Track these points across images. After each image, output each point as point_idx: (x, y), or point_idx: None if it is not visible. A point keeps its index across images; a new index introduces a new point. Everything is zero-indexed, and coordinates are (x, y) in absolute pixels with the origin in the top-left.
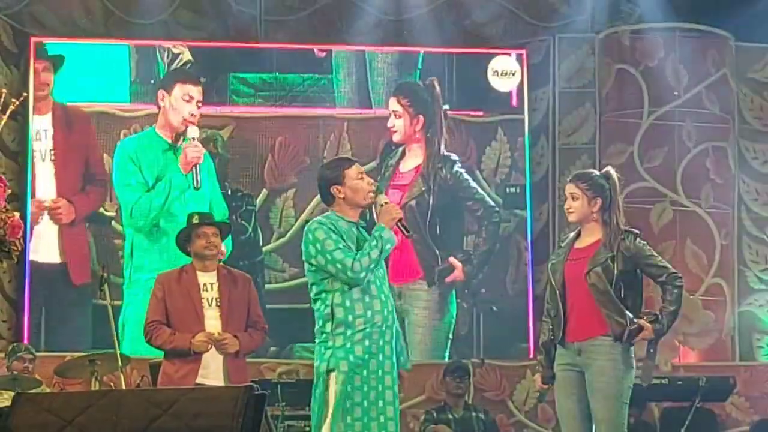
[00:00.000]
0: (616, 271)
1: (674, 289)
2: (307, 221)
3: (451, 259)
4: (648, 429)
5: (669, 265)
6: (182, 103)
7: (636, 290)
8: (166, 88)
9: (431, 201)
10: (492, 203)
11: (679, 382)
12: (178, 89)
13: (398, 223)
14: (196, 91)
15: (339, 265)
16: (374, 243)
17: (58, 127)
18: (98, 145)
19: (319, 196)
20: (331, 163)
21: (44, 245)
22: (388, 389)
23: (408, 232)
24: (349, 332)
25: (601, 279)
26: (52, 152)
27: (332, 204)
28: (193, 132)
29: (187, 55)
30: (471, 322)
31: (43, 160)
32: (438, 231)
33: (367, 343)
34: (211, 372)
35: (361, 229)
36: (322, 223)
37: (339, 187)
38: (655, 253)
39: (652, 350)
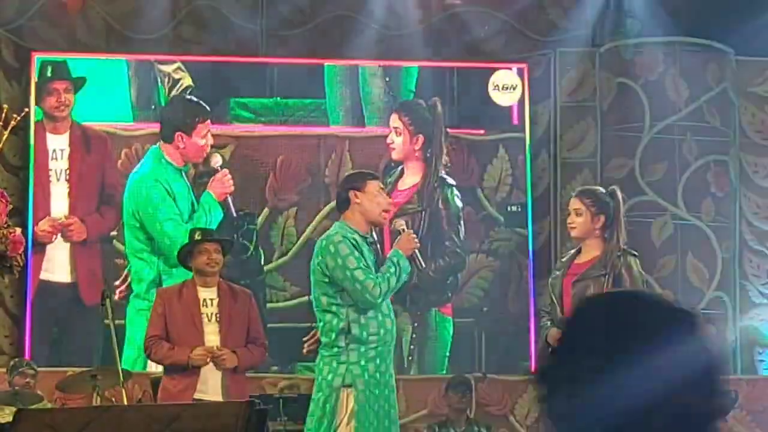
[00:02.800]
0: (607, 290)
1: None
2: (308, 240)
3: None
4: None
5: None
6: (202, 138)
7: None
8: (186, 130)
9: (423, 222)
10: (460, 252)
11: None
12: (200, 129)
13: (414, 253)
14: (209, 121)
15: (358, 286)
16: (393, 270)
17: (75, 147)
18: (116, 166)
19: (319, 215)
20: (356, 173)
21: (56, 265)
22: (392, 408)
23: (421, 265)
24: (363, 349)
25: (583, 294)
26: (67, 172)
27: (345, 210)
28: (218, 160)
29: (187, 80)
30: (471, 339)
31: (58, 180)
32: (427, 253)
33: (378, 361)
34: (210, 387)
35: (371, 244)
36: (345, 237)
37: (358, 193)
38: (640, 284)
39: None
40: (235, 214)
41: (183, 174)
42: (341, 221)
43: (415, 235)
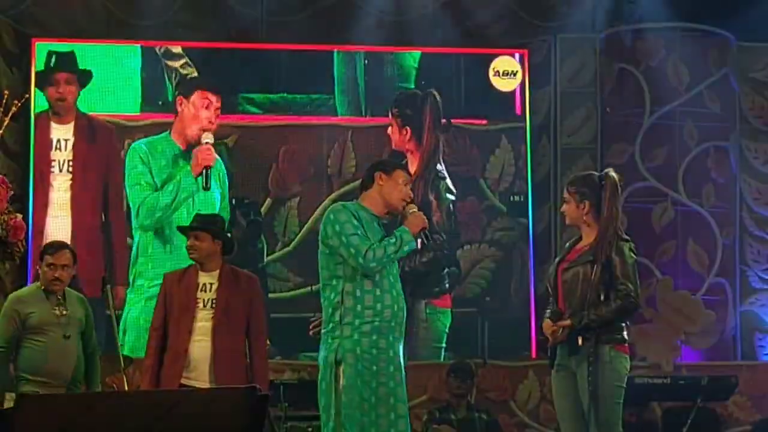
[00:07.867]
0: (594, 276)
1: (621, 303)
2: (311, 231)
3: None
4: (650, 428)
5: (632, 289)
6: (201, 109)
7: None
8: (186, 94)
9: None
10: (446, 246)
11: (681, 382)
12: (198, 96)
13: (422, 232)
14: (214, 99)
15: (352, 250)
16: (393, 240)
17: (80, 138)
18: (120, 157)
19: (322, 205)
20: (387, 159)
21: None
22: (398, 386)
23: (428, 240)
24: (357, 322)
25: (571, 280)
26: (70, 163)
27: (368, 190)
28: (208, 137)
29: (194, 75)
30: (474, 328)
31: (60, 171)
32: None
33: (374, 337)
34: (199, 374)
35: (382, 225)
36: (346, 207)
37: (383, 175)
38: (629, 269)
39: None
40: (206, 186)
41: (183, 156)
42: (357, 200)
43: (423, 214)
